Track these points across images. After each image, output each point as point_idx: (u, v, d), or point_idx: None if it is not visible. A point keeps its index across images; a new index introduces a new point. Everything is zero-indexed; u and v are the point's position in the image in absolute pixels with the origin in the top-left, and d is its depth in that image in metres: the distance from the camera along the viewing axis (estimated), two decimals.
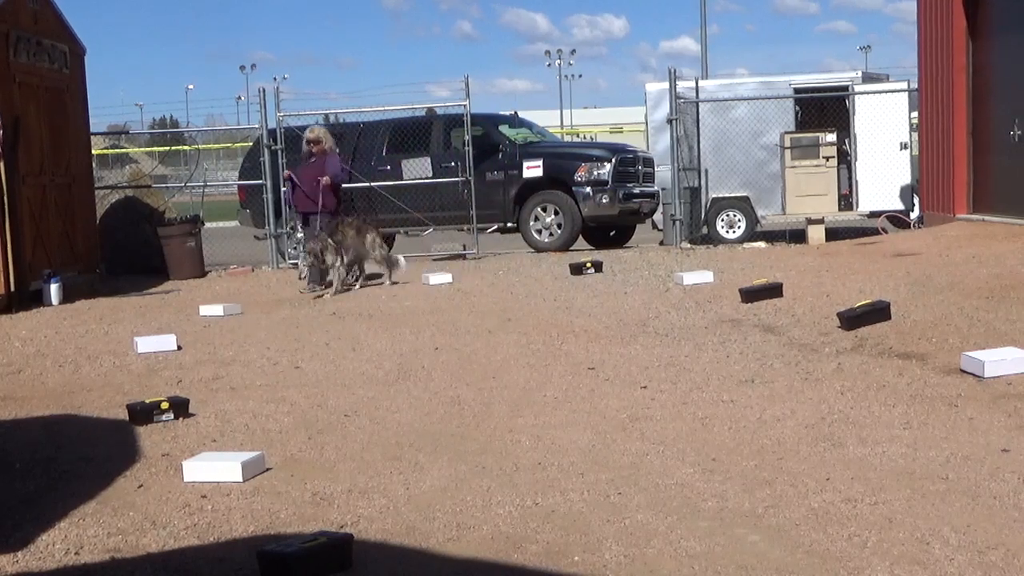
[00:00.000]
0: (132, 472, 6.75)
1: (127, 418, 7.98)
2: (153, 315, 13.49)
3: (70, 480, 6.64)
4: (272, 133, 19.21)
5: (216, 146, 50.15)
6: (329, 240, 14.62)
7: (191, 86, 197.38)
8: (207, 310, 13.33)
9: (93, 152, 19.38)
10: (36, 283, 14.95)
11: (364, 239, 15.03)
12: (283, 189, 17.10)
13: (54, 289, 14.91)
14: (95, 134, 20.23)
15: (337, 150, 16.62)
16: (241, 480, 6.35)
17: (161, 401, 8.06)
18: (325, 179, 15.37)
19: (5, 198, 14.30)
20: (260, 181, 19.02)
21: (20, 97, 14.95)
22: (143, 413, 7.93)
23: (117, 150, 38.66)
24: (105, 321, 13.07)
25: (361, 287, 15.04)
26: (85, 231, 16.94)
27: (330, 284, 14.75)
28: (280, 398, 8.55)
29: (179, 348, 10.92)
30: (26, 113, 15.08)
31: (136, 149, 43.49)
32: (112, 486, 6.46)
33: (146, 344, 10.92)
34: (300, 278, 14.94)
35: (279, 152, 18.96)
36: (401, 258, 15.73)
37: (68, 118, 16.57)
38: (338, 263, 14.66)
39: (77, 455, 7.20)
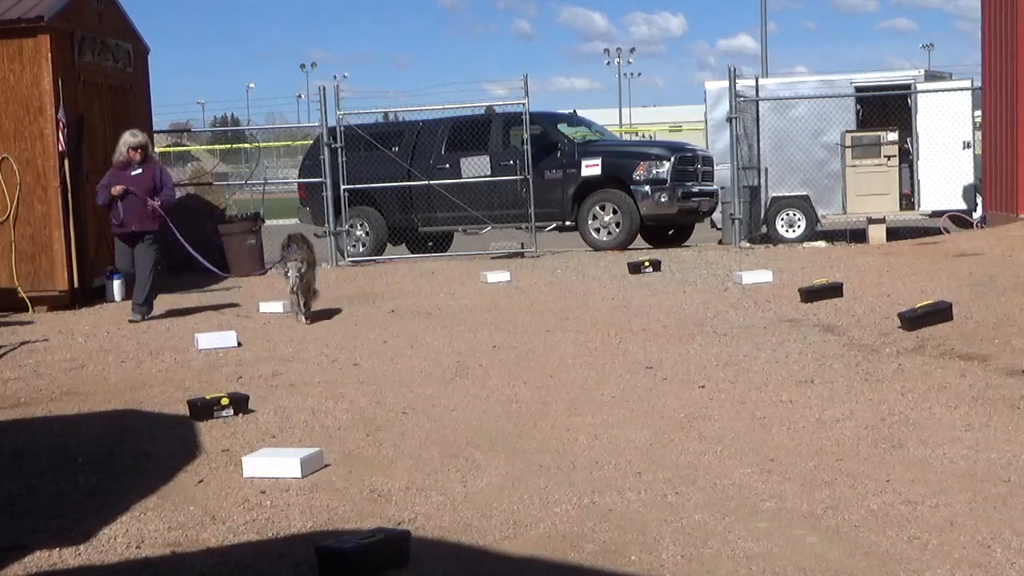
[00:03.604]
0: (192, 467, 6.81)
1: (188, 414, 8.06)
2: (213, 312, 13.60)
3: (131, 474, 6.71)
4: (332, 131, 19.30)
5: (277, 144, 50.49)
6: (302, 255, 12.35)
7: (252, 84, 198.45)
8: (267, 307, 13.40)
9: (156, 150, 19.59)
10: (99, 280, 15.15)
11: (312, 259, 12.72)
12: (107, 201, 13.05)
13: (117, 286, 15.08)
14: (158, 132, 20.46)
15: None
16: (300, 476, 6.40)
17: (221, 397, 8.13)
18: (155, 201, 12.85)
19: (70, 196, 14.50)
20: (320, 179, 19.12)
21: (84, 96, 15.14)
22: (204, 409, 8.01)
23: (179, 148, 39.15)
24: (166, 317, 13.19)
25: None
26: None
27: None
28: (339, 395, 8.60)
29: (239, 345, 11.00)
30: (90, 111, 15.28)
31: (198, 147, 43.88)
32: (172, 481, 6.53)
33: (207, 340, 11.01)
34: (292, 290, 12.30)
35: (339, 150, 19.05)
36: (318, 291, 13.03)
37: (131, 116, 16.71)
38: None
39: (138, 450, 7.29)
